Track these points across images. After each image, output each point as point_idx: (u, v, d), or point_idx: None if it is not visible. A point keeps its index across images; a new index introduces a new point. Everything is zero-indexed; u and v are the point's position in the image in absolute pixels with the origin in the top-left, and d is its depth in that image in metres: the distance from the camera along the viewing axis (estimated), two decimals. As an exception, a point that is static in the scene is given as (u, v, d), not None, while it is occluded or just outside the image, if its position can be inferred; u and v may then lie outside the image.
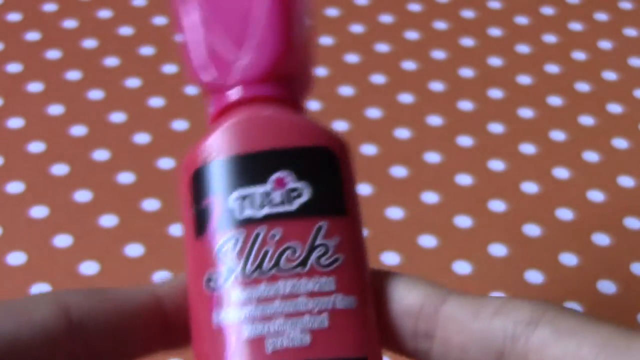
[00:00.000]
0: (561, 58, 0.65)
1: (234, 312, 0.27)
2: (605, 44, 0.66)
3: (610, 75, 0.63)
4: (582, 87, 0.62)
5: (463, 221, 0.52)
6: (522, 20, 0.68)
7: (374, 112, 0.59)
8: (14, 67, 0.61)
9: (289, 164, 0.29)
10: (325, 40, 0.65)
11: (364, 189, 0.54)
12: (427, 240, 0.51)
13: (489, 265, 0.50)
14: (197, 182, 0.29)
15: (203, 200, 0.29)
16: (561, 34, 0.67)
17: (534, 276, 0.50)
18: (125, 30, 0.64)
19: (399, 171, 0.55)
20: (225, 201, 0.28)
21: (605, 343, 0.26)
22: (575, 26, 0.68)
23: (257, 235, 0.28)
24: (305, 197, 0.28)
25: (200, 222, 0.28)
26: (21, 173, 0.54)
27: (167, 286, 0.29)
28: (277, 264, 0.28)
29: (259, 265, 0.28)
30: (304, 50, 0.30)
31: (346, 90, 0.61)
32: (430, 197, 0.54)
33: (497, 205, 0.53)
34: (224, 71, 0.30)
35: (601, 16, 0.69)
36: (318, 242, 0.28)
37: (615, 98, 0.62)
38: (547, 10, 0.69)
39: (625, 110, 0.61)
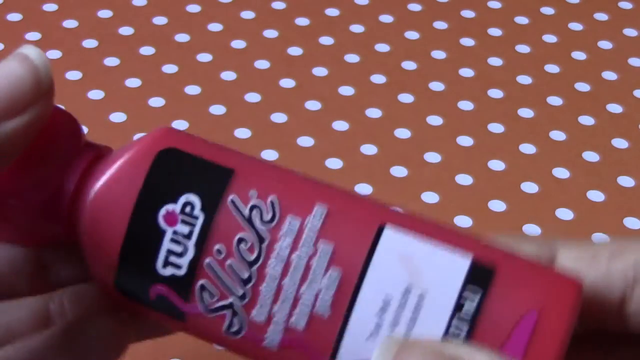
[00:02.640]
0: (561, 58, 0.65)
1: (274, 327, 0.27)
2: (605, 44, 0.66)
3: (610, 75, 0.63)
4: (582, 87, 0.62)
5: (463, 221, 0.52)
6: (522, 20, 0.68)
7: (374, 112, 0.59)
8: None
9: (157, 198, 0.27)
10: (325, 40, 0.65)
11: (363, 189, 0.54)
12: (427, 240, 0.51)
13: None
14: (128, 291, 0.28)
15: (149, 296, 0.28)
16: (561, 34, 0.67)
17: (534, 276, 0.50)
18: (125, 30, 0.64)
19: (399, 171, 0.55)
20: (161, 277, 0.27)
21: None
22: (575, 26, 0.68)
23: (211, 266, 0.27)
24: (196, 202, 0.27)
25: (170, 311, 0.28)
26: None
27: None
28: (248, 263, 0.27)
29: (242, 281, 0.27)
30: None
31: (346, 90, 0.61)
32: (430, 197, 0.54)
33: (497, 205, 0.53)
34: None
35: (601, 16, 0.69)
36: (246, 213, 0.27)
37: (615, 98, 0.62)
38: (547, 10, 0.69)
39: (625, 110, 0.61)
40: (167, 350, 0.44)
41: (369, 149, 0.56)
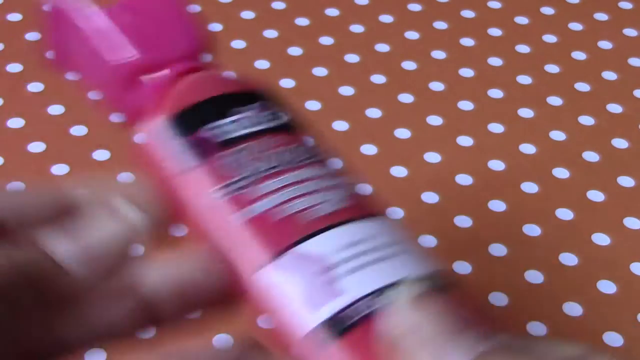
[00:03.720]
0: (561, 58, 0.65)
1: (261, 204, 0.29)
2: (605, 44, 0.66)
3: (610, 75, 0.63)
4: (582, 87, 0.62)
5: (463, 221, 0.52)
6: (522, 20, 0.68)
7: (374, 112, 0.59)
8: (14, 67, 0.61)
9: (266, 95, 0.32)
10: (325, 40, 0.65)
11: (363, 189, 0.54)
12: (428, 240, 0.51)
13: (489, 265, 0.50)
14: (185, 120, 0.31)
15: (198, 131, 0.31)
16: (561, 34, 0.67)
17: (534, 276, 0.50)
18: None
19: (399, 171, 0.55)
20: (225, 125, 0.31)
21: None
22: (575, 26, 0.68)
23: (262, 142, 0.30)
24: (285, 117, 0.32)
25: (201, 148, 0.30)
26: (21, 173, 0.54)
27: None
28: (286, 160, 0.30)
29: (269, 167, 0.30)
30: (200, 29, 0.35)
31: (346, 90, 0.61)
32: (430, 197, 0.54)
33: (497, 205, 0.53)
34: (163, 50, 0.34)
35: (601, 16, 0.69)
36: (313, 141, 0.31)
37: (615, 98, 0.62)
38: (547, 10, 0.69)
39: (625, 110, 0.61)
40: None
41: (369, 149, 0.56)
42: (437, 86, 0.61)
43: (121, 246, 0.27)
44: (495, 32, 0.67)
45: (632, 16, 0.69)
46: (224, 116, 0.31)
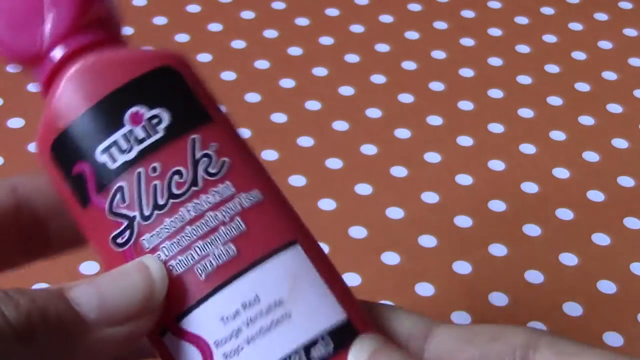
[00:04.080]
0: (561, 58, 0.65)
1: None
2: (605, 44, 0.66)
3: (610, 75, 0.63)
4: (582, 87, 0.62)
5: (463, 221, 0.52)
6: (522, 20, 0.68)
7: (374, 112, 0.59)
8: (14, 67, 0.61)
9: (136, 97, 0.28)
10: (325, 40, 0.65)
11: (363, 189, 0.54)
12: (427, 240, 0.51)
13: (489, 265, 0.50)
14: (57, 157, 0.28)
15: (71, 170, 0.28)
16: (561, 34, 0.67)
17: (534, 276, 0.50)
18: (126, 30, 0.64)
19: (399, 171, 0.55)
20: (93, 160, 0.28)
21: None
22: (575, 26, 0.68)
23: (139, 176, 0.27)
24: (166, 120, 0.28)
25: (80, 192, 0.28)
26: (21, 173, 0.54)
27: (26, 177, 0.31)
28: (170, 194, 0.27)
29: (155, 204, 0.27)
30: None
31: (346, 90, 0.61)
32: (430, 197, 0.54)
33: (497, 205, 0.53)
34: (36, 38, 0.29)
35: (601, 16, 0.69)
36: (198, 155, 0.28)
37: (615, 98, 0.62)
38: (547, 10, 0.69)
39: (625, 110, 0.61)
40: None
41: (369, 149, 0.56)
42: (437, 86, 0.61)
43: (139, 302, 0.27)
44: (495, 32, 0.67)
45: (632, 16, 0.69)
46: (99, 141, 0.28)
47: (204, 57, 0.62)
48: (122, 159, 0.27)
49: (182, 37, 0.64)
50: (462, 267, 0.50)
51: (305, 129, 0.57)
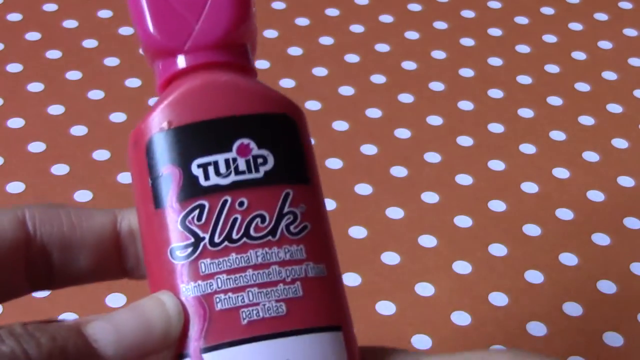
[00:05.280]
0: (561, 58, 0.65)
1: (205, 283, 0.27)
2: (605, 44, 0.66)
3: (610, 75, 0.63)
4: (582, 87, 0.62)
5: (463, 221, 0.52)
6: (522, 20, 0.68)
7: (374, 112, 0.59)
8: (14, 67, 0.61)
9: (251, 131, 0.28)
10: (325, 40, 0.65)
11: (363, 189, 0.54)
12: (427, 240, 0.51)
13: (489, 265, 0.50)
14: (153, 151, 0.28)
15: (161, 169, 0.28)
16: (561, 34, 0.67)
17: (534, 276, 0.50)
18: (125, 30, 0.64)
19: (399, 171, 0.55)
20: (187, 169, 0.27)
21: None
22: (575, 26, 0.68)
23: (224, 204, 0.27)
24: (270, 164, 0.28)
25: (159, 193, 0.28)
26: (21, 173, 0.54)
27: (129, 213, 0.30)
28: (246, 232, 0.27)
29: (228, 235, 0.27)
30: (253, 17, 0.30)
31: (346, 90, 0.61)
32: (430, 197, 0.54)
33: (497, 205, 0.53)
34: (180, 35, 0.29)
35: (601, 16, 0.69)
36: (286, 210, 0.28)
37: (615, 98, 0.62)
38: (547, 10, 0.69)
39: (625, 110, 0.61)
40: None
41: (369, 149, 0.56)
42: (437, 86, 0.61)
43: (156, 338, 0.27)
44: (495, 32, 0.67)
45: (632, 16, 0.69)
46: (200, 154, 0.28)
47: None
48: (215, 180, 0.27)
49: (182, 37, 0.64)
50: (462, 267, 0.50)
51: (305, 129, 0.57)
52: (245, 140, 0.28)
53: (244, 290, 0.27)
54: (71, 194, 0.52)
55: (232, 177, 0.27)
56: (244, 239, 0.27)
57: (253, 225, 0.27)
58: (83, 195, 0.52)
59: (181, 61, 0.29)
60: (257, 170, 0.28)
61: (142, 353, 0.26)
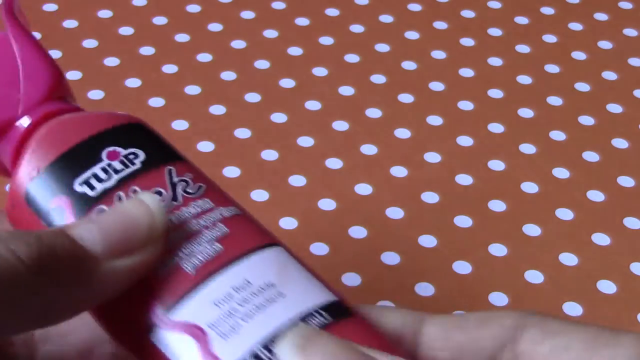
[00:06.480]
0: (561, 58, 0.65)
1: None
2: (605, 44, 0.66)
3: (610, 75, 0.63)
4: (582, 87, 0.62)
5: (463, 221, 0.52)
6: (522, 20, 0.68)
7: (374, 112, 0.59)
8: None
9: (112, 141, 0.30)
10: (325, 40, 0.65)
11: (364, 189, 0.54)
12: (427, 240, 0.51)
13: (489, 265, 0.50)
14: (33, 198, 0.30)
15: (48, 206, 0.29)
16: (561, 34, 0.67)
17: (534, 276, 0.50)
18: (126, 30, 0.64)
19: (399, 171, 0.55)
20: (72, 192, 0.29)
21: (594, 337, 0.27)
22: (575, 26, 0.68)
23: (119, 198, 0.29)
24: (142, 156, 0.30)
25: (58, 223, 0.29)
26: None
27: None
28: None
29: None
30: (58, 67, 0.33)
31: (346, 90, 0.61)
32: (430, 197, 0.54)
33: (497, 205, 0.53)
34: (9, 107, 0.31)
35: (601, 16, 0.69)
36: (175, 179, 0.30)
37: (615, 98, 0.62)
38: (547, 10, 0.69)
39: (625, 110, 0.61)
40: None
41: (369, 149, 0.56)
42: (437, 86, 0.61)
43: (142, 232, 0.28)
44: (495, 32, 0.67)
45: (632, 16, 0.69)
46: (76, 175, 0.29)
47: (204, 57, 0.62)
48: (101, 187, 0.29)
49: (182, 37, 0.64)
50: (462, 267, 0.50)
51: (305, 129, 0.57)
52: (111, 148, 0.30)
53: (178, 248, 0.28)
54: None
55: (115, 177, 0.29)
56: None
57: None
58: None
59: (22, 123, 0.31)
60: (133, 164, 0.30)
61: (130, 247, 0.27)
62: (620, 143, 0.58)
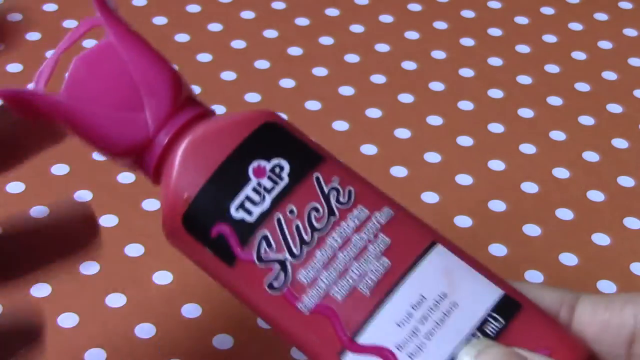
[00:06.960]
0: (561, 58, 0.65)
1: (315, 289, 0.28)
2: (605, 44, 0.66)
3: (610, 75, 0.63)
4: (582, 87, 0.62)
5: (463, 221, 0.52)
6: (522, 20, 0.68)
7: (374, 112, 0.59)
8: (14, 67, 0.61)
9: (253, 154, 0.30)
10: (325, 40, 0.65)
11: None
12: (427, 240, 0.51)
13: (489, 265, 0.50)
14: (192, 225, 0.30)
15: (210, 234, 0.29)
16: (561, 34, 0.67)
17: (534, 276, 0.50)
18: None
19: (399, 171, 0.55)
20: (230, 218, 0.29)
21: None
22: (575, 26, 0.68)
23: (280, 221, 0.29)
24: (287, 167, 0.30)
25: (224, 252, 0.29)
26: (21, 173, 0.54)
27: None
28: (313, 229, 0.29)
29: (302, 241, 0.29)
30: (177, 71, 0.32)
31: (346, 90, 0.61)
32: (430, 197, 0.54)
33: (497, 205, 0.53)
34: (140, 127, 0.30)
35: (601, 16, 0.69)
36: (326, 189, 0.30)
37: (615, 98, 0.62)
38: (547, 10, 0.69)
39: (625, 110, 0.61)
40: (167, 350, 0.44)
41: (369, 149, 0.56)
42: (437, 86, 0.61)
43: None
44: (495, 32, 0.67)
45: (632, 16, 0.69)
46: (230, 200, 0.29)
47: (204, 57, 0.62)
48: (258, 210, 0.29)
49: (182, 37, 0.64)
50: (462, 267, 0.50)
51: (305, 129, 0.57)
52: (255, 164, 0.30)
53: (348, 271, 0.29)
54: (71, 194, 0.52)
55: (268, 199, 0.29)
56: (316, 235, 0.29)
57: (313, 219, 0.29)
58: (83, 196, 0.52)
59: (158, 144, 0.30)
60: (281, 178, 0.29)
61: None
62: (620, 143, 0.58)
